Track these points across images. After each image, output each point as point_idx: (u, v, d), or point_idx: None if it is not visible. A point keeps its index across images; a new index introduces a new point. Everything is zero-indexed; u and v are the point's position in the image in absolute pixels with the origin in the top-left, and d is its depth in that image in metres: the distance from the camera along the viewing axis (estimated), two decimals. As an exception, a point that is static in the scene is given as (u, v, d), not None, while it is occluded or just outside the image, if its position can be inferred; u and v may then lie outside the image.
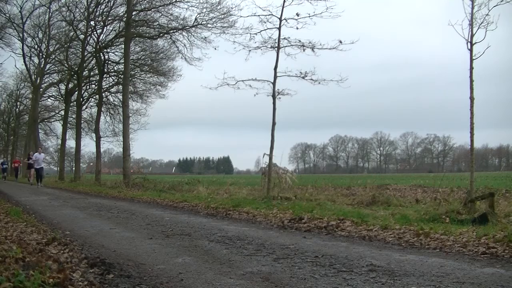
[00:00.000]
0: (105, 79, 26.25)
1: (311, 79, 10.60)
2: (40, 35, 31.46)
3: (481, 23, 6.90)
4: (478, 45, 6.95)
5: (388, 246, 4.66)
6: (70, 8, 24.25)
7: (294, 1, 10.54)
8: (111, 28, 24.31)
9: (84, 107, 29.30)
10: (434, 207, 7.27)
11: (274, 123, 10.59)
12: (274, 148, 10.69)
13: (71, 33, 26.20)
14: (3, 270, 2.74)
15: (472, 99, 6.91)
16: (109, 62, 25.80)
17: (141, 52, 24.81)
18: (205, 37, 19.53)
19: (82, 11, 24.30)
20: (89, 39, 25.60)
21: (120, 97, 23.91)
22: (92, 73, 28.67)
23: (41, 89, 34.24)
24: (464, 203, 6.78)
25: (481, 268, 3.51)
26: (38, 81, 33.50)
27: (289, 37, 10.72)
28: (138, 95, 26.35)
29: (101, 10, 23.66)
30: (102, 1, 23.23)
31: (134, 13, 20.64)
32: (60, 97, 33.68)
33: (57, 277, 2.76)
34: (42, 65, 32.92)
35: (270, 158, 10.69)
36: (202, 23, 19.48)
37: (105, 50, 24.95)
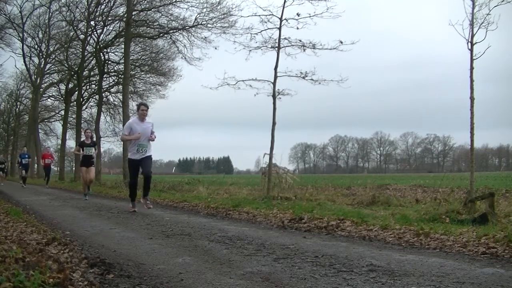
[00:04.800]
0: (105, 79, 26.27)
1: (311, 79, 10.61)
2: (40, 35, 31.52)
3: (482, 23, 6.90)
4: (479, 45, 6.96)
5: (388, 246, 4.66)
6: (70, 8, 24.31)
7: (295, 1, 10.55)
8: (111, 28, 24.36)
9: (84, 107, 29.34)
10: (434, 207, 7.26)
11: (274, 123, 10.59)
12: (274, 148, 10.70)
13: (71, 33, 26.24)
14: (3, 270, 2.74)
15: (472, 99, 6.91)
16: (109, 62, 25.82)
17: (141, 52, 24.85)
18: (205, 37, 19.56)
19: (82, 11, 24.35)
20: (89, 39, 25.63)
21: (120, 97, 23.93)
22: (92, 73, 28.69)
23: (41, 89, 34.26)
24: (464, 203, 6.77)
25: (481, 268, 3.51)
26: (38, 81, 33.53)
27: (289, 37, 10.73)
28: (138, 95, 26.39)
29: (101, 10, 23.67)
30: (102, 1, 23.25)
31: (134, 13, 20.65)
32: (60, 97, 33.74)
33: (57, 277, 2.76)
34: (42, 65, 32.95)
35: (270, 158, 10.70)
36: (202, 23, 19.51)
37: (105, 50, 24.97)
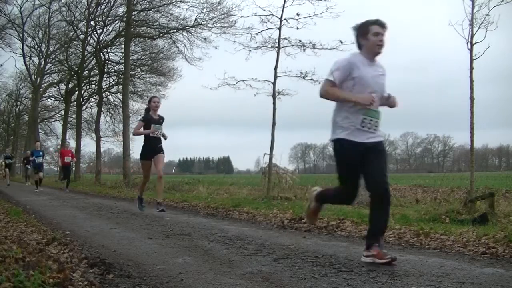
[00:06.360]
0: (105, 79, 26.31)
1: (312, 79, 10.61)
2: (40, 35, 31.49)
3: (481, 23, 6.91)
4: (478, 45, 6.96)
5: (388, 246, 4.65)
6: (70, 8, 24.33)
7: (295, 1, 10.54)
8: (111, 28, 24.40)
9: (84, 107, 29.37)
10: (434, 207, 7.26)
11: (274, 123, 10.59)
12: (274, 148, 10.70)
13: (71, 33, 26.28)
14: (3, 270, 2.74)
15: (472, 99, 6.91)
16: (109, 62, 25.86)
17: (141, 52, 24.89)
18: (205, 38, 19.61)
19: (82, 11, 24.39)
20: (89, 39, 25.67)
21: (120, 97, 23.96)
22: (92, 73, 28.73)
23: (41, 89, 34.25)
24: (464, 203, 6.77)
25: (481, 268, 3.51)
26: (38, 81, 33.51)
27: (289, 37, 10.72)
28: (138, 95, 26.44)
29: (101, 10, 23.71)
30: (102, 1, 23.27)
31: (134, 13, 20.67)
32: (60, 97, 33.77)
33: (57, 277, 2.75)
34: (42, 65, 32.93)
35: (270, 158, 10.70)
36: (202, 23, 19.55)
37: (105, 50, 25.00)
